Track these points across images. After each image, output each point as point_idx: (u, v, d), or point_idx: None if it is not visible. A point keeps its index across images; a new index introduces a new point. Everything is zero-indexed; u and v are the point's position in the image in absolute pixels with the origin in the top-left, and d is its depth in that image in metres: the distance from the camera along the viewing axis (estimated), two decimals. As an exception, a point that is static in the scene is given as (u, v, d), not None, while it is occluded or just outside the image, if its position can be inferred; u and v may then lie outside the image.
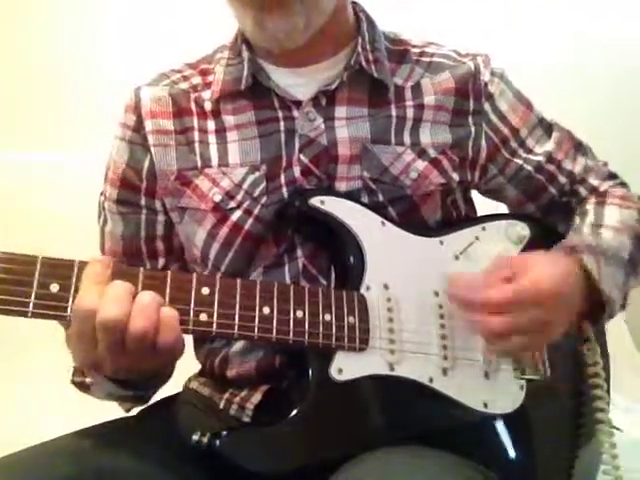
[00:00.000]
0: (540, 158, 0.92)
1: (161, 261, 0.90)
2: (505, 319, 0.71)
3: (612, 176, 0.96)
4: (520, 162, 0.91)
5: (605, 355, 0.89)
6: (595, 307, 0.81)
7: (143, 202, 0.88)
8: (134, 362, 0.65)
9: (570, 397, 0.86)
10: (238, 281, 0.71)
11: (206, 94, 0.88)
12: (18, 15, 2.02)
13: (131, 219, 0.88)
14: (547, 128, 0.94)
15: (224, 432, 0.70)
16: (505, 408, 0.80)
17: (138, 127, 0.87)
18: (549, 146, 0.93)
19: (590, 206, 0.91)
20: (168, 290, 0.67)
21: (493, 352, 0.79)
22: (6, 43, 2.02)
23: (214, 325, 0.68)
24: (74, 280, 0.64)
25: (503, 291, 0.72)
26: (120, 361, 0.64)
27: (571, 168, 0.93)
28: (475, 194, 0.97)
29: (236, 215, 0.83)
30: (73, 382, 0.84)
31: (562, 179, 0.93)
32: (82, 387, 0.83)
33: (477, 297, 0.73)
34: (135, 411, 0.88)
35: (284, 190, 0.83)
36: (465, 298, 0.74)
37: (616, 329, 1.12)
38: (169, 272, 0.68)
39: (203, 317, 0.68)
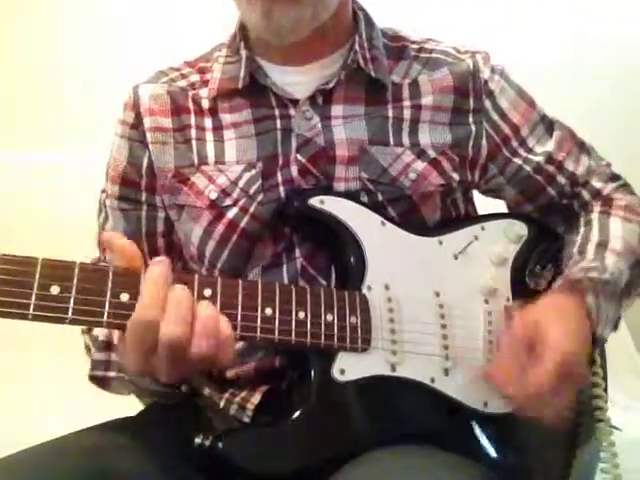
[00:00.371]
0: (540, 158, 0.91)
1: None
2: (553, 403, 0.73)
3: (615, 177, 0.95)
4: (520, 162, 0.91)
5: (602, 354, 0.89)
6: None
7: (144, 198, 0.88)
8: (191, 372, 0.65)
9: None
10: (240, 282, 0.71)
11: (204, 92, 0.88)
12: (18, 15, 2.02)
13: (132, 215, 0.89)
14: (549, 126, 0.94)
15: (226, 434, 0.70)
16: (505, 408, 0.79)
17: (137, 124, 0.87)
18: (550, 146, 0.92)
19: (595, 216, 0.91)
20: (169, 291, 0.67)
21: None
22: (6, 43, 2.02)
23: (216, 326, 0.68)
24: (75, 282, 0.63)
25: (543, 380, 0.71)
26: (178, 372, 0.64)
27: (573, 169, 0.92)
28: (476, 193, 0.97)
29: (232, 212, 0.83)
30: (92, 377, 0.84)
31: (562, 180, 0.92)
32: (102, 382, 0.83)
33: (528, 393, 0.72)
34: (135, 411, 0.88)
35: (281, 189, 0.83)
36: (510, 394, 0.74)
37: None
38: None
39: (205, 318, 0.68)
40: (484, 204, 0.98)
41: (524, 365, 0.73)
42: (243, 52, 0.86)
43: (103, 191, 0.91)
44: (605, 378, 0.87)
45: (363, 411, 0.75)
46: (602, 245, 0.86)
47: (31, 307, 0.61)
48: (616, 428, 0.83)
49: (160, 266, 0.64)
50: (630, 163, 0.99)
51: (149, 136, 0.86)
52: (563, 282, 0.82)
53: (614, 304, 0.82)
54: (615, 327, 0.86)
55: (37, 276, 0.62)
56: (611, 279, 0.82)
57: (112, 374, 0.82)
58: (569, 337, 0.74)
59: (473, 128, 0.89)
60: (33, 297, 0.61)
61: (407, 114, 0.87)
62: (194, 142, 0.86)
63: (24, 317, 0.62)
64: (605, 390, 0.85)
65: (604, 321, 0.80)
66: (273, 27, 0.79)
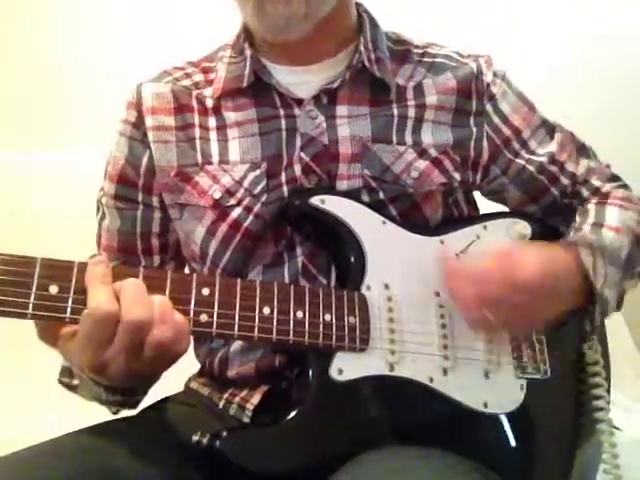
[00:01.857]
0: (543, 159, 0.92)
1: (156, 258, 0.90)
2: (479, 289, 0.73)
3: (614, 178, 0.96)
4: (522, 163, 0.91)
5: (605, 354, 0.89)
6: (589, 303, 0.81)
7: (140, 198, 0.88)
8: (146, 366, 0.65)
9: (570, 396, 0.85)
10: (238, 281, 0.71)
11: (208, 91, 0.88)
12: (18, 15, 2.02)
13: (127, 214, 0.89)
14: (550, 130, 0.94)
15: (224, 432, 0.69)
16: (505, 408, 0.80)
17: (138, 123, 0.87)
18: (552, 147, 0.92)
19: (591, 206, 0.91)
20: (168, 290, 0.67)
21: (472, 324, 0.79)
22: (6, 43, 2.02)
23: (214, 325, 0.68)
24: (74, 282, 0.63)
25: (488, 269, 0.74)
26: (132, 365, 0.64)
27: (573, 170, 0.93)
28: (478, 196, 0.97)
29: (236, 212, 0.83)
30: (60, 381, 0.84)
31: (564, 180, 0.92)
32: (69, 388, 0.84)
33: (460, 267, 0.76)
34: (136, 411, 0.87)
35: (284, 188, 0.83)
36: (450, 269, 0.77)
37: (616, 329, 1.13)
38: (169, 272, 0.68)
39: (203, 317, 0.68)
40: (486, 206, 0.97)
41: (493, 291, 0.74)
42: (247, 52, 0.86)
43: (101, 189, 0.91)
44: (608, 379, 0.87)
45: (361, 411, 0.75)
46: (598, 224, 0.86)
47: (30, 307, 0.62)
48: (617, 428, 0.83)
49: (100, 266, 0.64)
50: (632, 164, 0.99)
51: (151, 135, 0.86)
52: (559, 242, 0.83)
53: (615, 269, 0.82)
54: (618, 306, 0.85)
55: (36, 276, 0.62)
56: (609, 246, 0.82)
57: (75, 382, 0.83)
58: (535, 267, 0.74)
59: (474, 130, 0.89)
60: (32, 296, 0.62)
61: (411, 113, 0.87)
62: (198, 141, 0.86)
63: (23, 316, 0.62)
64: (607, 391, 0.85)
65: (603, 277, 0.80)
66: (267, 23, 0.79)
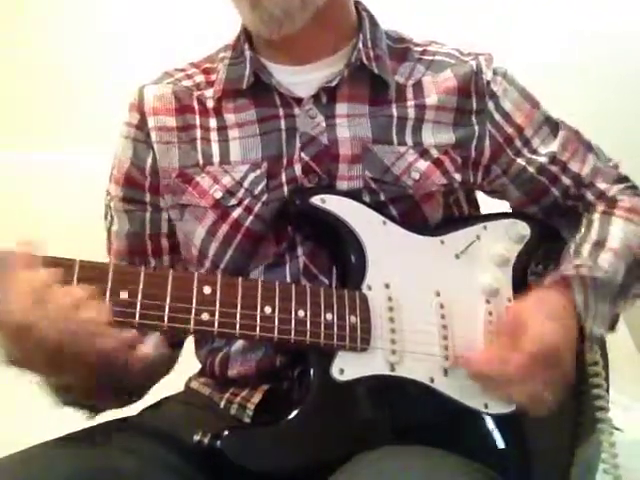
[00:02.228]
0: (543, 159, 0.91)
1: (166, 259, 0.90)
2: (520, 389, 0.74)
3: (622, 179, 0.94)
4: (523, 163, 0.90)
5: (604, 354, 0.89)
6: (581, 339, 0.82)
7: (148, 199, 0.88)
8: (48, 358, 0.63)
9: (570, 397, 0.85)
10: (240, 280, 0.71)
11: (209, 92, 0.88)
12: (19, 15, 2.02)
13: (136, 216, 0.89)
14: (553, 127, 0.93)
15: (225, 432, 0.69)
16: (505, 408, 0.79)
17: (141, 125, 0.87)
18: (554, 147, 0.91)
19: (597, 216, 0.90)
20: (170, 289, 0.67)
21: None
22: (6, 43, 2.02)
23: (216, 324, 0.68)
24: (75, 280, 0.64)
25: (515, 365, 0.73)
26: (39, 360, 0.63)
27: (577, 170, 0.92)
28: (480, 193, 0.97)
29: (236, 212, 0.83)
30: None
31: (566, 181, 0.91)
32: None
33: (492, 373, 0.75)
34: (136, 411, 0.87)
35: (285, 188, 0.83)
36: (482, 375, 0.76)
37: (616, 329, 1.13)
38: (171, 271, 0.68)
39: (205, 317, 0.68)
40: (487, 205, 0.98)
41: (506, 353, 0.75)
42: (247, 53, 0.86)
43: (108, 194, 0.91)
44: (607, 379, 0.87)
45: (362, 410, 0.75)
46: (599, 245, 0.85)
47: None
48: (617, 428, 0.83)
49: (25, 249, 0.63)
50: (631, 163, 0.99)
51: (153, 136, 0.86)
52: (552, 278, 0.83)
53: (606, 302, 0.82)
54: (612, 327, 0.86)
55: None
56: (604, 277, 0.81)
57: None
58: (549, 328, 0.75)
59: (476, 129, 0.89)
60: None
61: (411, 113, 0.87)
62: (199, 142, 0.86)
63: None
64: (607, 391, 0.85)
65: (592, 317, 0.80)
66: (264, 17, 0.79)
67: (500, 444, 0.80)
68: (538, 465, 0.82)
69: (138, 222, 0.89)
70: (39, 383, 0.75)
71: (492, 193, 0.96)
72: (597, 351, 0.85)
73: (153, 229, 0.89)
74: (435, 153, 0.86)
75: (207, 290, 0.68)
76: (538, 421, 0.80)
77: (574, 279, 0.80)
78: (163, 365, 0.87)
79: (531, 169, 0.91)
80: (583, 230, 0.89)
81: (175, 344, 0.90)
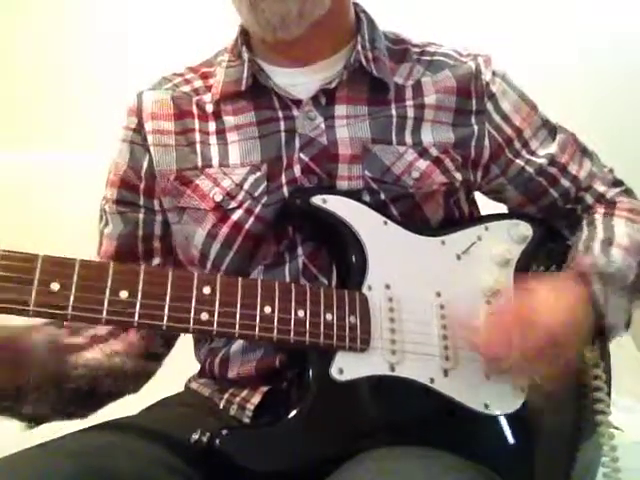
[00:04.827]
0: (542, 160, 0.91)
1: (156, 261, 0.90)
2: (523, 370, 0.76)
3: (617, 183, 0.96)
4: (522, 164, 0.91)
5: (606, 357, 0.88)
6: (599, 332, 0.83)
7: (142, 202, 0.88)
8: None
9: (571, 399, 0.85)
10: (239, 280, 0.71)
11: (207, 97, 0.88)
12: (19, 15, 2.02)
13: (130, 218, 0.89)
14: (551, 130, 0.94)
15: (224, 431, 0.69)
16: (506, 409, 0.79)
17: (139, 128, 0.88)
18: (552, 149, 0.92)
19: (598, 217, 0.91)
20: (169, 289, 0.67)
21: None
22: (6, 43, 2.02)
23: (215, 324, 0.68)
24: (75, 279, 0.64)
25: (524, 347, 0.74)
26: None
27: (575, 173, 0.93)
28: (478, 194, 0.97)
29: (237, 215, 0.83)
30: None
31: (566, 183, 0.92)
32: None
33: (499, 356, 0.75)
34: (136, 411, 0.87)
35: (285, 190, 0.83)
36: (486, 354, 0.77)
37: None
38: (170, 271, 0.68)
39: (204, 316, 0.68)
40: (487, 206, 0.97)
41: (513, 333, 0.74)
42: (245, 55, 0.87)
43: (103, 198, 0.91)
44: (609, 382, 0.87)
45: (361, 411, 0.75)
46: (608, 242, 0.86)
47: (31, 304, 0.61)
48: (617, 429, 0.83)
49: None
50: (630, 164, 0.99)
51: (150, 138, 0.86)
52: (569, 272, 0.83)
53: (623, 297, 0.82)
54: (627, 325, 0.86)
55: (37, 272, 0.62)
56: (618, 272, 0.82)
57: None
58: (560, 311, 0.75)
59: (475, 129, 0.89)
60: (33, 293, 0.61)
61: (410, 113, 0.87)
62: (198, 145, 0.86)
63: (25, 314, 0.62)
64: (608, 394, 0.85)
65: (614, 310, 0.81)
66: (261, 21, 0.79)
67: (500, 445, 0.80)
68: (539, 466, 0.82)
69: (131, 223, 0.89)
70: None
71: (490, 194, 0.96)
72: (598, 353, 0.85)
73: (146, 230, 0.89)
74: (435, 152, 0.86)
75: (207, 290, 0.68)
76: (539, 422, 0.80)
77: (592, 275, 0.81)
78: (137, 376, 0.86)
79: (530, 170, 0.91)
80: (587, 230, 0.89)
81: (153, 355, 0.88)
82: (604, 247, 0.85)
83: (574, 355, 0.78)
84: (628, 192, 0.96)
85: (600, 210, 0.92)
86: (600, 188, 0.93)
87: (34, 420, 0.78)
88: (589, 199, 0.93)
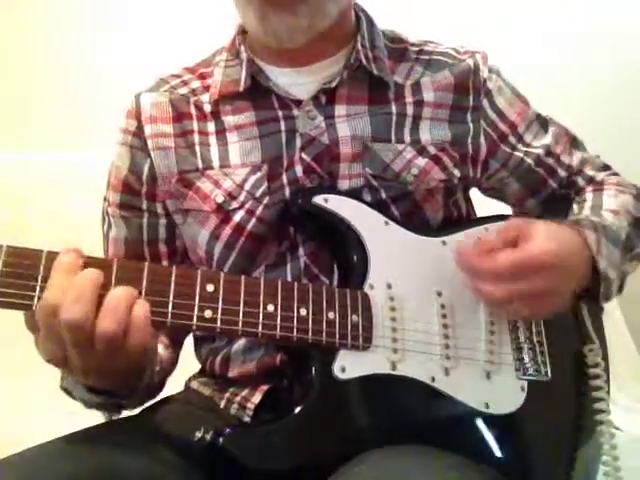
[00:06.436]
0: (539, 151, 0.93)
1: (164, 264, 0.90)
2: (507, 286, 0.71)
3: (606, 167, 0.98)
4: (521, 155, 0.92)
5: (605, 356, 0.89)
6: (592, 285, 0.80)
7: (145, 206, 0.88)
8: (103, 361, 0.64)
9: (571, 398, 0.85)
10: (242, 278, 0.71)
11: (205, 97, 0.88)
12: (19, 15, 2.03)
13: (133, 223, 0.89)
14: (543, 123, 0.96)
15: (227, 429, 0.69)
16: (506, 408, 0.80)
17: (138, 132, 0.88)
18: (547, 140, 0.94)
19: (588, 194, 0.92)
20: (172, 286, 0.67)
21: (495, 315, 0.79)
22: (6, 43, 2.02)
23: (218, 322, 0.68)
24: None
25: (507, 259, 0.71)
26: (88, 360, 0.63)
27: (569, 162, 0.94)
28: (476, 194, 0.97)
29: (238, 215, 0.83)
30: (61, 387, 0.82)
31: (561, 172, 0.94)
32: (68, 393, 0.82)
33: (482, 265, 0.72)
34: (136, 411, 0.87)
35: (286, 190, 0.83)
36: (471, 266, 0.74)
37: (616, 329, 1.13)
38: (174, 268, 0.68)
39: (208, 314, 0.68)
40: (484, 206, 0.98)
41: (502, 249, 0.72)
42: (243, 55, 0.87)
43: (105, 200, 0.91)
44: (608, 381, 0.87)
45: (363, 409, 0.75)
46: (598, 207, 0.88)
47: (36, 299, 0.62)
48: (617, 428, 0.83)
49: (68, 255, 0.63)
50: (627, 162, 1.00)
51: (150, 143, 0.86)
52: (564, 223, 0.82)
53: (617, 250, 0.82)
54: (620, 289, 0.86)
55: (42, 268, 0.62)
56: (611, 226, 0.83)
57: (66, 383, 0.80)
58: (556, 249, 0.73)
59: (471, 126, 0.90)
60: (37, 289, 0.62)
61: (410, 111, 0.87)
62: (197, 147, 0.86)
63: (29, 308, 0.62)
64: (608, 393, 0.85)
65: (605, 256, 0.79)
66: (269, 32, 0.80)
67: (500, 444, 0.79)
68: (539, 466, 0.82)
69: (135, 228, 0.89)
70: (67, 387, 0.77)
71: (490, 190, 0.97)
72: (599, 353, 0.85)
73: (151, 235, 0.89)
74: (432, 150, 0.86)
75: (210, 287, 0.68)
76: (539, 422, 0.80)
77: (584, 223, 0.81)
78: (171, 364, 0.89)
79: (529, 160, 0.93)
80: (577, 207, 0.91)
81: (175, 344, 0.90)
82: (595, 211, 0.87)
83: (565, 292, 0.75)
84: (616, 175, 0.97)
85: (589, 189, 0.94)
86: (590, 172, 0.95)
87: (119, 410, 0.81)
88: (580, 182, 0.95)
